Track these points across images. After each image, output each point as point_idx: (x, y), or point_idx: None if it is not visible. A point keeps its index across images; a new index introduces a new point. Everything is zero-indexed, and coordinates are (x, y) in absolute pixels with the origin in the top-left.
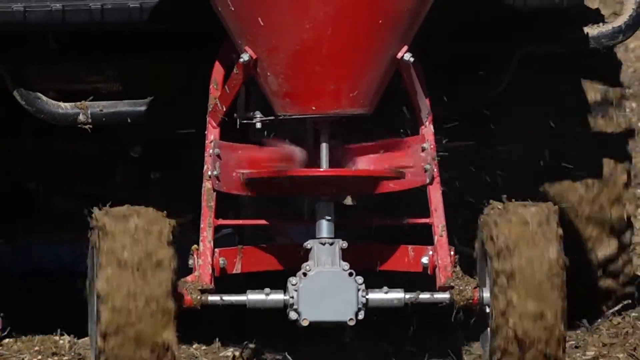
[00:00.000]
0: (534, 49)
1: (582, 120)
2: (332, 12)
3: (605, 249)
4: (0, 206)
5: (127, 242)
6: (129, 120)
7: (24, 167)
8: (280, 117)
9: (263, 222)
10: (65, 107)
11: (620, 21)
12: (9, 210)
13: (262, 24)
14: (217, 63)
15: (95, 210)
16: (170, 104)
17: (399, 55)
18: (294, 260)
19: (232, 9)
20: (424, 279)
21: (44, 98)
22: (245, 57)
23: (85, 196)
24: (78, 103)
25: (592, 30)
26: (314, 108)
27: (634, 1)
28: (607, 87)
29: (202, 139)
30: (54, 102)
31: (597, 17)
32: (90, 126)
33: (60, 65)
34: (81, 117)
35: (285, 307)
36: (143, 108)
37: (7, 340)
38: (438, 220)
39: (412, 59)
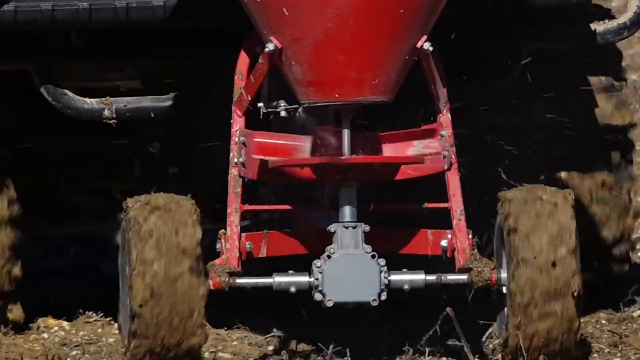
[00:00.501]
0: (542, 45)
1: (589, 112)
2: (354, 2)
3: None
4: (23, 200)
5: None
6: (152, 115)
7: (45, 162)
8: (305, 105)
9: (286, 207)
10: (91, 102)
11: (625, 18)
12: (30, 204)
13: (287, 14)
14: (242, 54)
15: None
16: (191, 100)
17: (419, 44)
18: (317, 244)
19: (258, 0)
20: (443, 263)
21: (70, 94)
22: (270, 46)
23: (104, 191)
24: (103, 99)
25: (598, 27)
26: (337, 96)
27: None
28: (612, 81)
29: (220, 134)
30: (80, 98)
31: (602, 13)
32: (115, 121)
33: (82, 63)
34: (106, 112)
35: (310, 288)
36: (166, 104)
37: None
38: (456, 204)
39: (431, 48)
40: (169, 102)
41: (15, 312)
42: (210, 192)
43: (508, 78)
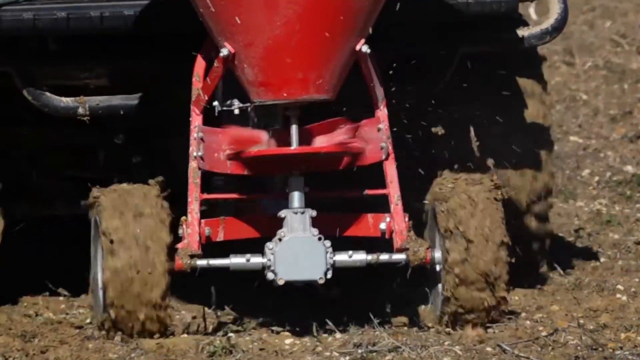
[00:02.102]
0: (473, 49)
1: (513, 112)
2: (299, 11)
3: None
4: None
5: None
6: (121, 112)
7: (20, 153)
8: (256, 104)
9: (241, 196)
10: (67, 101)
11: (547, 24)
12: (8, 190)
13: (239, 22)
14: (198, 58)
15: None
16: (154, 98)
17: (358, 47)
18: (269, 228)
19: (213, 10)
20: (383, 244)
21: (48, 94)
22: (224, 51)
23: (73, 178)
24: (77, 98)
25: (523, 32)
26: (285, 95)
27: (559, 7)
28: (533, 82)
29: (177, 128)
30: (56, 97)
31: (525, 20)
32: (88, 117)
33: (58, 65)
34: (80, 110)
35: (263, 268)
36: (134, 102)
37: None
38: (394, 191)
39: (368, 50)
40: (137, 100)
41: None
42: (169, 180)
43: (442, 79)
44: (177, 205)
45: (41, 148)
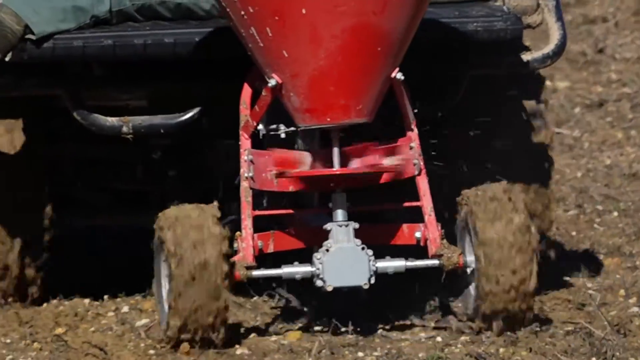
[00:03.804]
0: (480, 71)
1: (515, 131)
2: (341, 44)
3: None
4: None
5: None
6: (162, 131)
7: (67, 167)
8: (302, 128)
9: (288, 211)
10: (112, 120)
11: (548, 49)
12: (54, 201)
13: (286, 55)
14: (245, 86)
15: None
16: (194, 118)
17: (393, 74)
18: (314, 240)
19: (262, 45)
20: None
21: (95, 114)
22: (272, 82)
23: (114, 191)
24: (122, 118)
25: (526, 56)
26: (329, 119)
27: (559, 33)
28: (534, 103)
29: (209, 144)
30: (102, 117)
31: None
32: (132, 136)
33: (103, 88)
34: (124, 129)
35: (312, 276)
36: (173, 121)
37: None
38: (427, 203)
39: (402, 77)
40: (176, 120)
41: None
42: (204, 193)
43: (452, 100)
44: None
45: (85, 163)
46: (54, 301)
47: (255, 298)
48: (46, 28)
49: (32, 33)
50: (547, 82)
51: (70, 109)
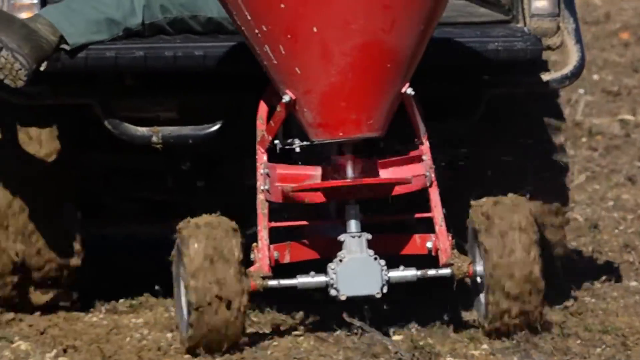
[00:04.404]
0: (501, 90)
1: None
2: (351, 61)
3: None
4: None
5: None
6: (190, 142)
7: (97, 176)
8: (315, 143)
9: (303, 222)
10: (142, 130)
11: (567, 70)
12: (82, 209)
13: (299, 72)
14: (261, 103)
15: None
16: (220, 131)
17: (403, 90)
18: (328, 251)
19: (275, 62)
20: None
21: (126, 124)
22: (286, 98)
23: (143, 200)
24: (152, 128)
25: (545, 76)
26: (341, 134)
27: (577, 55)
28: (554, 121)
29: (237, 156)
30: (133, 126)
31: (547, 65)
32: (161, 146)
33: (134, 99)
34: (154, 139)
35: (327, 286)
36: (202, 132)
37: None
38: (438, 213)
39: (412, 92)
40: (205, 131)
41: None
42: (230, 203)
43: (473, 118)
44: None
45: (115, 172)
46: (137, 334)
47: (337, 332)
48: (80, 39)
49: (67, 44)
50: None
51: (102, 118)
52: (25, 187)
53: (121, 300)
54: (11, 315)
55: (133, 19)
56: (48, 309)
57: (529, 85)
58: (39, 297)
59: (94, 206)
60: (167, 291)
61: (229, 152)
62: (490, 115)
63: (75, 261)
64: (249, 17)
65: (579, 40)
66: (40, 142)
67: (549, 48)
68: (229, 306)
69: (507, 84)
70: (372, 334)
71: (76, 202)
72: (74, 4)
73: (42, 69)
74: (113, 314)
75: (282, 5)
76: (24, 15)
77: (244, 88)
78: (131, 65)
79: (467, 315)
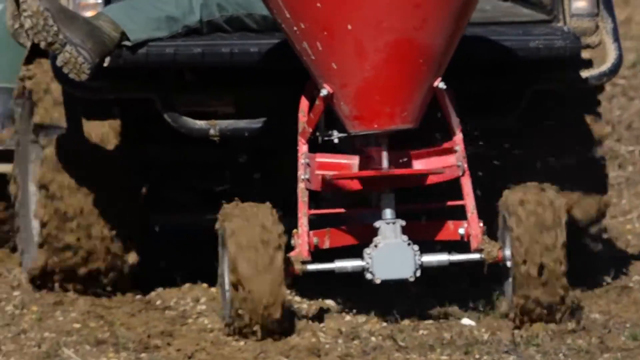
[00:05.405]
0: (542, 86)
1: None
2: (386, 57)
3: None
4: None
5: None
6: (246, 134)
7: (154, 166)
8: (352, 134)
9: (341, 210)
10: (200, 124)
11: (605, 67)
12: (144, 201)
13: (335, 67)
14: (302, 97)
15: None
16: (274, 124)
17: (435, 84)
18: (365, 237)
19: (313, 57)
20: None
21: (185, 117)
22: (324, 91)
23: (202, 191)
24: (209, 121)
25: (584, 73)
26: (376, 126)
27: (615, 53)
28: (593, 117)
29: (292, 151)
30: (191, 120)
31: (588, 62)
32: (218, 138)
33: (193, 93)
34: (212, 132)
35: (362, 270)
36: (257, 126)
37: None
38: (469, 202)
39: (444, 87)
40: (259, 125)
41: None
42: (285, 194)
43: (515, 112)
44: (291, 214)
45: (175, 164)
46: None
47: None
48: (141, 35)
49: (128, 40)
50: None
51: (162, 112)
52: (89, 180)
53: None
54: (158, 341)
55: (191, 16)
56: (195, 332)
57: (568, 82)
58: (101, 286)
59: (154, 197)
60: (315, 319)
61: (283, 145)
62: (531, 111)
63: (135, 253)
64: (288, 15)
65: (616, 38)
66: (106, 135)
67: (588, 46)
68: (270, 289)
69: (547, 80)
70: None
71: (139, 194)
72: (135, 2)
73: (105, 64)
74: (261, 339)
75: (319, 5)
76: (88, 13)
77: (295, 83)
78: (189, 61)
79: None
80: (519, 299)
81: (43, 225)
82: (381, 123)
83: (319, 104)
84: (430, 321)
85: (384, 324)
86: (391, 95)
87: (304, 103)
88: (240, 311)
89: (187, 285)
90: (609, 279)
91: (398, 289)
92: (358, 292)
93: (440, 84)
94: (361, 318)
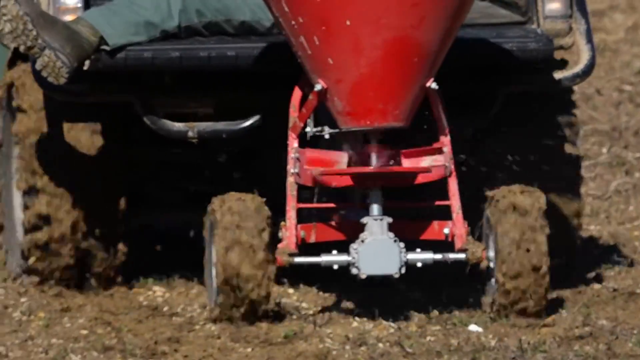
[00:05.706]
0: (514, 89)
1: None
2: (381, 54)
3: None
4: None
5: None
6: (224, 136)
7: (138, 167)
8: (344, 130)
9: (330, 205)
10: (179, 126)
11: (578, 68)
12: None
13: (331, 62)
14: (295, 91)
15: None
16: (255, 124)
17: (428, 84)
18: (351, 232)
19: (310, 52)
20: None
21: (164, 119)
22: (318, 87)
23: (183, 191)
24: (188, 123)
25: (558, 75)
26: (368, 122)
27: (588, 54)
28: (565, 117)
29: (272, 150)
30: (170, 122)
31: (561, 63)
32: (197, 140)
33: (171, 96)
34: (190, 133)
35: (348, 265)
36: (235, 127)
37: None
38: (455, 202)
39: (436, 87)
40: (238, 126)
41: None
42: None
43: (489, 115)
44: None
45: (155, 165)
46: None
47: None
48: (119, 40)
49: (107, 44)
50: None
51: (141, 114)
52: (75, 180)
53: (275, 331)
54: (165, 347)
55: (170, 22)
56: (202, 339)
57: (541, 84)
58: (93, 282)
59: (134, 197)
60: (322, 325)
61: (262, 145)
62: (506, 112)
63: (122, 248)
64: (287, 9)
65: (589, 40)
66: (89, 137)
67: (561, 48)
68: (256, 280)
69: (520, 82)
70: None
71: (122, 193)
72: (115, 7)
73: (85, 68)
74: (268, 345)
75: None
76: (68, 17)
77: (274, 86)
78: (167, 65)
79: None
80: (501, 298)
81: (26, 226)
82: (373, 120)
83: (312, 99)
84: (438, 327)
85: (391, 330)
86: (385, 92)
87: (295, 98)
88: (226, 301)
89: (194, 291)
90: (616, 286)
91: (405, 295)
92: (365, 298)
93: (432, 84)
94: (368, 324)
